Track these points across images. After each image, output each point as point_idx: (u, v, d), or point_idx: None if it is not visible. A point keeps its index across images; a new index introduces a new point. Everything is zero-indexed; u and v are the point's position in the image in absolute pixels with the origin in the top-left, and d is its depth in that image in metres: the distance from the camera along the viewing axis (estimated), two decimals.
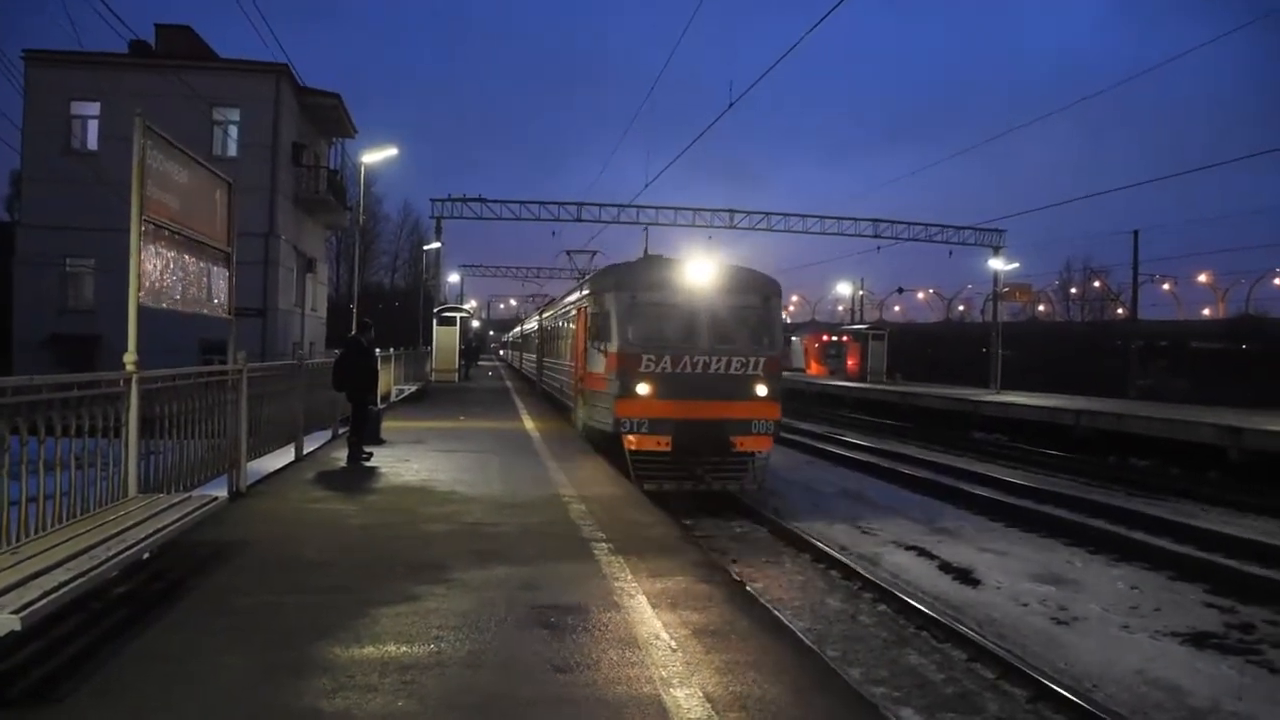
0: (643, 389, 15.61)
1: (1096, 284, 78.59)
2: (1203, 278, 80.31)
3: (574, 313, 20.55)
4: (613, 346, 16.09)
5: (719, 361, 15.93)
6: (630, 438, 15.58)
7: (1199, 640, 10.03)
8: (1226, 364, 48.14)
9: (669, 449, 15.53)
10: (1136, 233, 51.41)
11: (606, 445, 16.34)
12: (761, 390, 16.14)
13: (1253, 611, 11.11)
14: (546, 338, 31.32)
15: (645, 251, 21.53)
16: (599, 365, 16.71)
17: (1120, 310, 68.47)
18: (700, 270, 16.59)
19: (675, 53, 22.43)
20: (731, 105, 21.06)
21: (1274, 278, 75.28)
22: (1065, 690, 7.96)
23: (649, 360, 15.70)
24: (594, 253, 36.28)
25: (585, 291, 18.56)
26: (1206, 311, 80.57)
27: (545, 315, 33.06)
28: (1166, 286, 77.68)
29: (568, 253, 39.78)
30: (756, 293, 17.02)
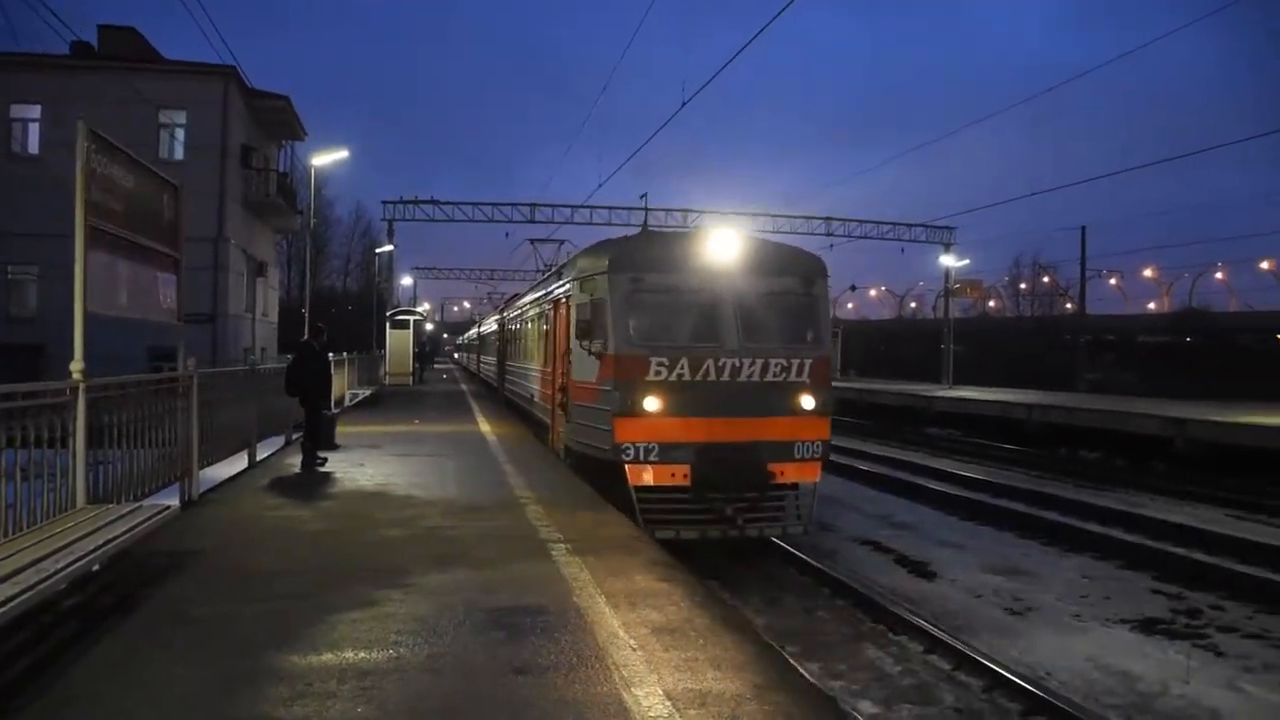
0: (651, 404, 11.98)
1: (1045, 279, 79.68)
2: (1148, 272, 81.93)
3: (549, 306, 16.88)
4: (610, 347, 12.40)
5: (752, 365, 12.36)
6: (635, 469, 11.98)
7: (1148, 626, 10.25)
8: (1172, 357, 49.14)
9: (688, 483, 11.98)
10: (1084, 229, 52.27)
11: (600, 475, 12.58)
12: (808, 402, 12.53)
13: (1199, 597, 11.37)
14: (511, 338, 27.34)
15: (645, 226, 17.57)
16: (589, 372, 12.93)
17: (1069, 305, 69.53)
18: (724, 245, 12.84)
19: (628, 54, 22.44)
20: (684, 105, 21.09)
21: (1215, 272, 76.97)
22: (1019, 679, 8.09)
23: (659, 365, 12.10)
24: (561, 242, 33.08)
25: (568, 278, 14.72)
26: (1152, 305, 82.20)
27: (510, 312, 28.55)
28: (1113, 281, 79.17)
29: (531, 241, 35.33)
30: (797, 274, 13.25)
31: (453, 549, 8.49)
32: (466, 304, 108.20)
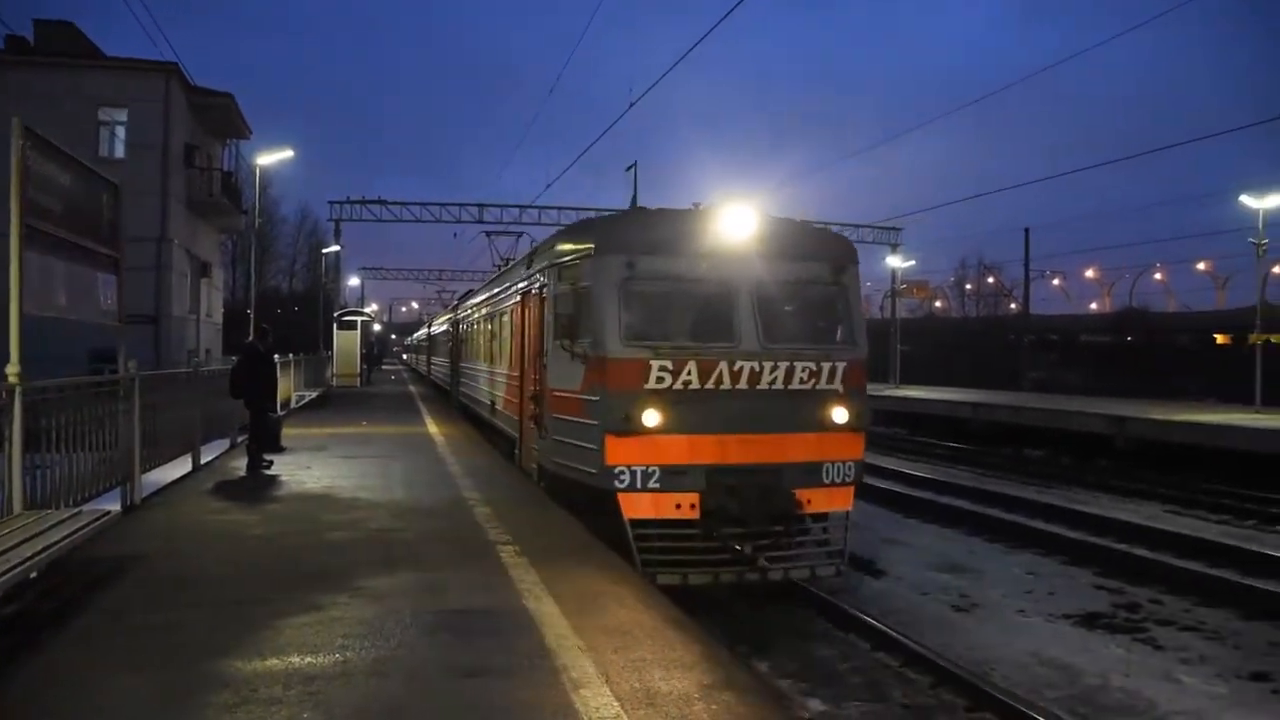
0: (651, 418, 9.88)
1: (991, 280, 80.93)
2: (1090, 273, 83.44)
3: (516, 301, 14.77)
4: (599, 348, 10.20)
5: (775, 370, 10.27)
6: (630, 498, 9.89)
7: (1090, 621, 10.46)
8: (1113, 356, 50.10)
9: (696, 515, 9.94)
10: (1028, 230, 53.05)
11: (584, 503, 10.57)
12: (840, 414, 10.52)
13: (1139, 592, 11.62)
14: (467, 338, 25.10)
15: (634, 200, 13.41)
16: (571, 378, 10.73)
17: (1013, 305, 70.68)
18: (738, 223, 10.57)
19: (575, 55, 22.41)
20: (632, 105, 21.12)
21: (1155, 272, 78.62)
22: (964, 674, 8.21)
23: (661, 370, 9.99)
24: (519, 234, 31.04)
25: (540, 265, 12.67)
26: (1094, 306, 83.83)
27: (465, 309, 26.05)
28: (1057, 282, 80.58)
29: (486, 234, 34.20)
30: (824, 259, 11.20)
31: (400, 552, 8.43)
32: (415, 304, 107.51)
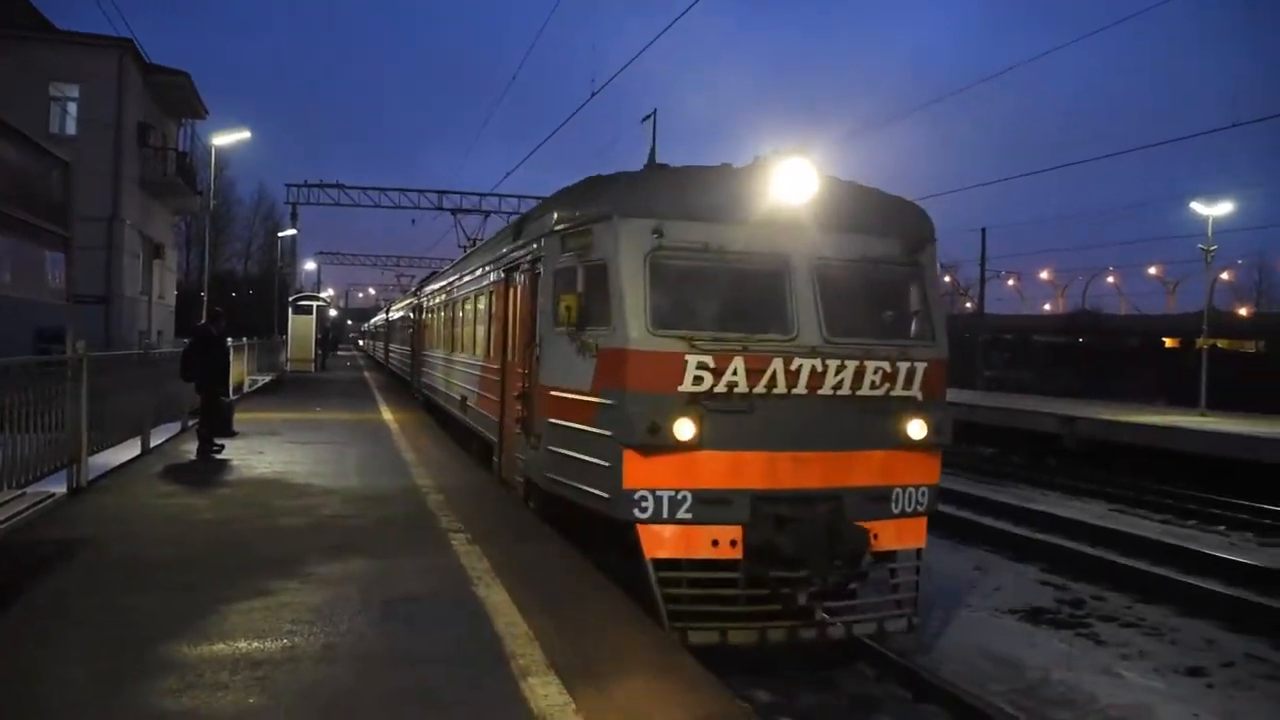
0: (685, 428, 7.69)
1: (946, 279, 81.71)
2: (1044, 274, 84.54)
3: (498, 280, 12.51)
4: (618, 336, 8.02)
5: (841, 371, 8.13)
6: (654, 532, 7.76)
7: (1034, 616, 10.65)
8: (1065, 356, 50.73)
9: (739, 556, 7.80)
10: (984, 230, 53.60)
11: (588, 531, 8.74)
12: (916, 428, 8.40)
13: (1082, 588, 11.85)
14: (431, 324, 22.53)
15: (653, 156, 11.38)
16: (577, 374, 8.59)
17: (969, 304, 71.45)
18: (794, 182, 8.26)
19: (537, 43, 22.30)
20: (593, 95, 21.06)
21: (1108, 276, 79.89)
22: (911, 667, 8.32)
23: (700, 368, 7.80)
24: (488, 213, 29.23)
25: (535, 235, 10.34)
26: (1047, 306, 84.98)
27: (432, 291, 23.09)
28: (1011, 282, 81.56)
29: (453, 212, 31.54)
30: (898, 232, 8.95)
31: (351, 538, 8.39)
32: (372, 290, 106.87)
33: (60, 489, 9.41)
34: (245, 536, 8.44)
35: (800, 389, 8.00)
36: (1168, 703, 8.24)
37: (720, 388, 7.82)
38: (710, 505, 7.82)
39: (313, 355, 42.95)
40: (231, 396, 18.04)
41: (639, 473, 7.77)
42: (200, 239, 55.32)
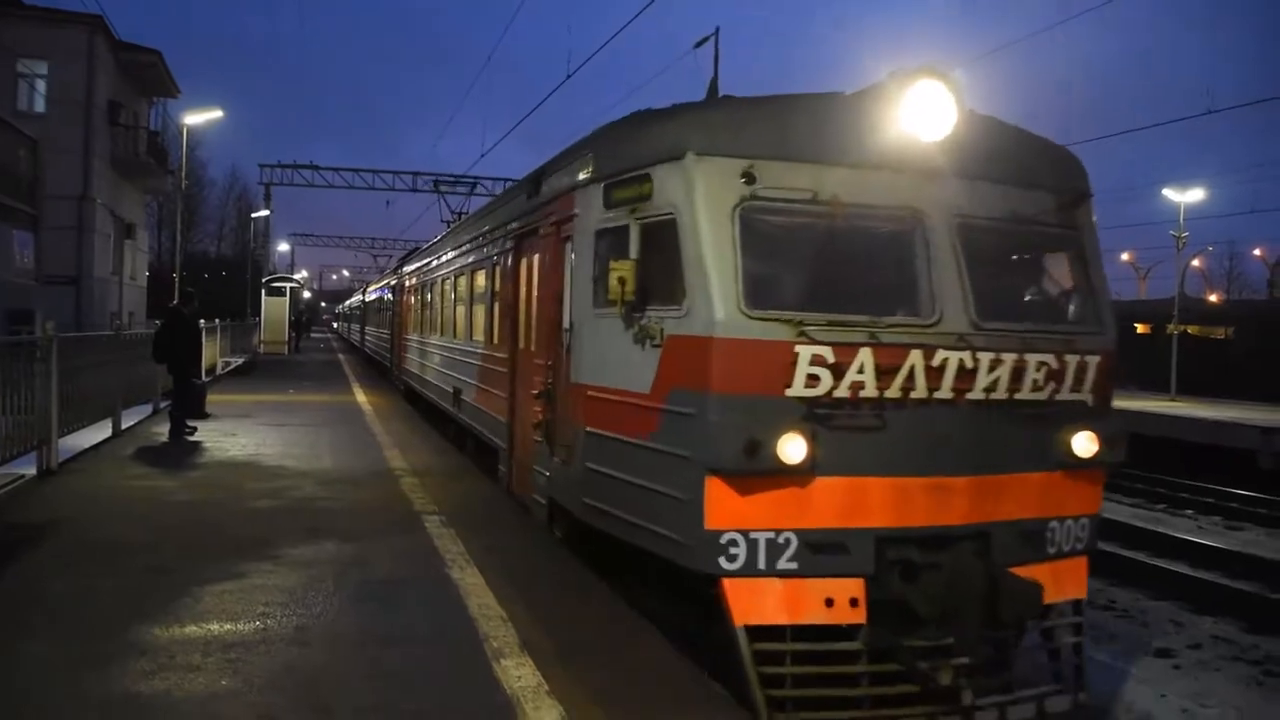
0: (795, 448, 5.67)
1: None
2: None
3: (508, 246, 10.37)
4: (698, 318, 6.00)
5: (996, 366, 6.12)
6: (747, 589, 5.77)
7: None
8: None
9: (861, 619, 5.85)
10: None
11: (639, 570, 6.99)
12: (1084, 442, 6.39)
13: None
14: (417, 303, 20.34)
15: (714, 87, 9.58)
16: (630, 369, 6.59)
17: None
18: (928, 115, 6.20)
19: (513, 24, 22.17)
20: (569, 77, 20.96)
21: None
22: None
23: (816, 363, 5.81)
24: (474, 182, 27.20)
25: (560, 187, 8.23)
26: None
27: (417, 268, 20.93)
28: None
29: (436, 183, 29.10)
30: (1050, 184, 6.91)
31: (325, 521, 8.36)
32: (346, 272, 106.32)
33: (30, 471, 9.32)
34: (218, 519, 8.40)
35: (944, 392, 5.94)
36: (1139, 685, 8.37)
37: (841, 391, 5.76)
38: (823, 551, 5.80)
39: (286, 337, 42.69)
40: (204, 378, 17.93)
41: (727, 508, 5.71)
42: (172, 219, 54.81)
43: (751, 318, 5.78)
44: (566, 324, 7.65)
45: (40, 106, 31.35)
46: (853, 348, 5.77)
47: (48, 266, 25.49)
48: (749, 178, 6.00)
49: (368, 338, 40.64)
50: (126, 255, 38.34)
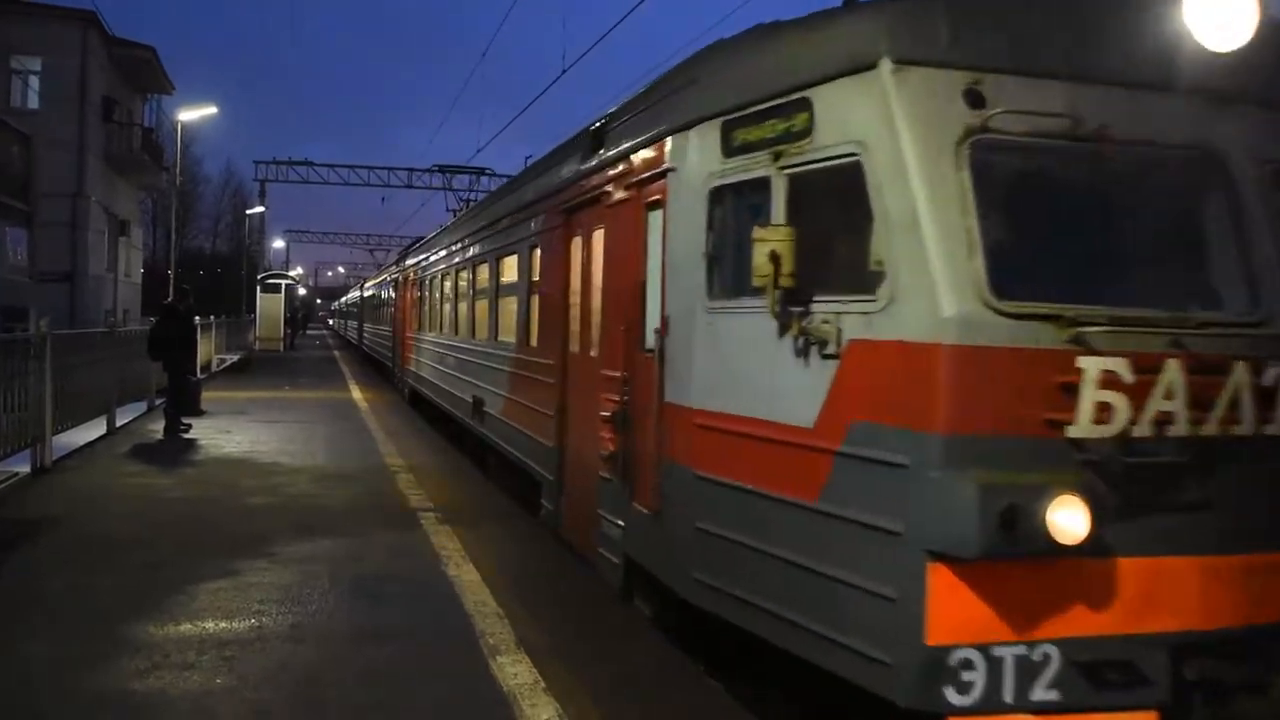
0: (1073, 519, 3.65)
1: None
2: None
3: (552, 223, 8.48)
4: (912, 314, 3.92)
5: None
6: None
7: None
8: None
9: None
10: None
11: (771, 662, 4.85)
12: None
13: None
14: (429, 298, 17.65)
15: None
16: (778, 390, 4.58)
17: None
18: (1222, 18, 4.00)
19: (508, 19, 22.10)
20: (565, 72, 20.92)
21: None
22: None
23: (1109, 382, 3.81)
24: (480, 170, 25.70)
25: (646, 137, 6.07)
26: None
27: (426, 256, 18.62)
28: None
29: (440, 168, 27.26)
30: None
31: (320, 518, 8.36)
32: (341, 269, 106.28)
33: (24, 469, 9.31)
34: (212, 516, 8.39)
35: (1276, 428, 4.07)
36: None
37: (1143, 429, 3.88)
38: (1099, 673, 3.94)
39: (282, 334, 42.63)
40: (199, 376, 17.91)
41: (961, 612, 3.84)
42: (167, 216, 54.72)
43: (1003, 313, 3.83)
44: (660, 321, 5.66)
45: (34, 103, 31.30)
46: (1156, 359, 3.89)
47: (42, 263, 25.44)
48: (977, 99, 4.09)
49: (366, 335, 39.57)
50: (121, 252, 38.28)
